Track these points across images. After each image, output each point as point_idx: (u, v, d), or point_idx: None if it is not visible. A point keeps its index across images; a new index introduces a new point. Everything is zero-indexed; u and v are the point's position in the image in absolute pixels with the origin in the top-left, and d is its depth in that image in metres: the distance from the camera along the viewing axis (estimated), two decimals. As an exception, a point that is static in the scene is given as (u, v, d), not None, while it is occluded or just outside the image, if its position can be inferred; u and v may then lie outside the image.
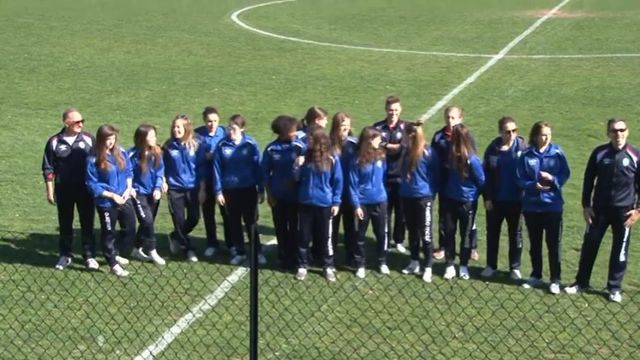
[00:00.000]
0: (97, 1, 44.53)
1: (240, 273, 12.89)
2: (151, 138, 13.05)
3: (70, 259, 13.25)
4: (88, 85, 25.61)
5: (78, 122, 13.10)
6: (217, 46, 32.07)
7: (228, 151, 13.05)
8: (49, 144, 13.18)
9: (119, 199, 12.74)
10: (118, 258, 13.07)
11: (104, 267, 12.96)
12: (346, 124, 13.14)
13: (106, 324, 11.02)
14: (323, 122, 13.22)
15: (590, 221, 12.20)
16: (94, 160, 12.65)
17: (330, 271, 12.85)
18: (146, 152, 13.02)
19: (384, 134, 13.18)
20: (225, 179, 13.08)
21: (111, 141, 12.67)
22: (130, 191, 12.95)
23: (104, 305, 11.40)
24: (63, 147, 13.07)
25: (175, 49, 31.57)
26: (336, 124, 13.11)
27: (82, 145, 13.09)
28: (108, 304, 11.40)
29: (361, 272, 12.88)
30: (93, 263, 13.11)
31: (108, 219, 12.78)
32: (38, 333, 10.96)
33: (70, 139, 13.10)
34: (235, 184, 13.11)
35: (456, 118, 13.07)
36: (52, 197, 13.20)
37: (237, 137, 13.08)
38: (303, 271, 12.80)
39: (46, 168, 13.14)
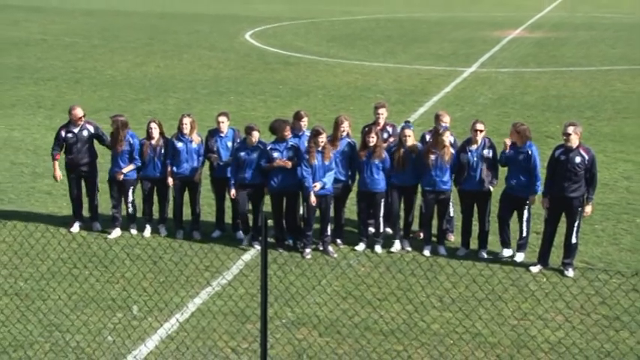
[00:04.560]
0: (132, 23, 44.52)
1: (252, 253, 12.86)
2: None
3: (81, 223, 13.86)
4: (124, 93, 25.60)
5: (80, 117, 13.82)
6: (233, 61, 32.05)
7: (242, 153, 12.97)
8: (58, 133, 13.93)
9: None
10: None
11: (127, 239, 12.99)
12: (345, 126, 13.12)
13: (139, 295, 11.01)
14: (304, 122, 13.35)
15: (545, 207, 12.26)
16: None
17: (330, 248, 12.84)
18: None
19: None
20: (239, 176, 13.00)
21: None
22: (127, 169, 13.51)
23: (138, 280, 11.41)
24: (70, 135, 13.76)
25: (198, 63, 31.55)
26: (336, 125, 13.08)
27: (85, 133, 13.82)
28: (141, 279, 11.40)
29: (361, 246, 13.02)
30: (96, 227, 13.78)
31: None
32: (83, 303, 10.96)
33: (76, 129, 13.79)
34: (248, 181, 13.02)
35: (447, 123, 13.16)
36: (58, 174, 14.06)
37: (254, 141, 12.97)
38: (309, 250, 12.79)
39: (54, 150, 13.95)
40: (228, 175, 13.11)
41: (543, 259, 12.33)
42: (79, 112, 13.77)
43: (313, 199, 12.59)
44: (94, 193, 13.83)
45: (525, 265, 12.30)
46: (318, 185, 12.58)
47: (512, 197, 12.52)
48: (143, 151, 13.43)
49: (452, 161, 12.64)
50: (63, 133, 13.76)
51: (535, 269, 12.20)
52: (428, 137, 13.28)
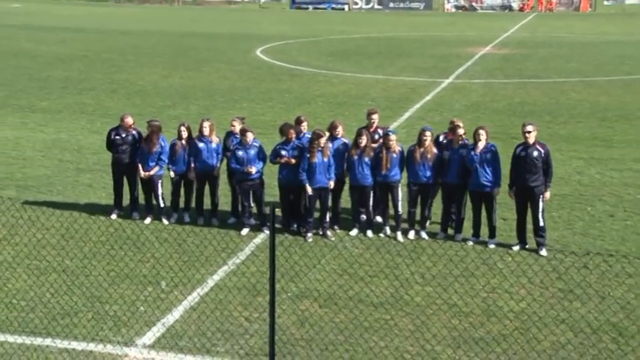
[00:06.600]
0: (159, 41, 44.43)
1: (262, 236, 12.84)
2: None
3: (119, 211, 13.73)
4: (153, 101, 25.55)
5: (130, 125, 13.61)
6: (246, 73, 31.99)
7: (240, 152, 12.87)
8: (108, 134, 13.80)
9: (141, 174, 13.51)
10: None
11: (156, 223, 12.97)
12: (339, 130, 13.11)
13: (166, 272, 11.02)
14: (304, 126, 13.25)
15: (513, 197, 12.24)
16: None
17: (329, 232, 12.82)
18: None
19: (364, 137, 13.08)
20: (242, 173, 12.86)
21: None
22: (153, 171, 13.41)
23: (165, 259, 11.41)
24: (117, 137, 13.60)
25: (215, 75, 31.49)
26: (331, 129, 13.07)
27: (130, 137, 13.57)
28: (168, 259, 11.41)
29: (354, 231, 12.95)
30: (135, 216, 13.60)
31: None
32: (119, 278, 10.97)
33: (123, 133, 13.58)
34: (249, 176, 12.86)
35: (462, 129, 12.75)
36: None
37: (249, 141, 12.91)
38: (311, 234, 12.76)
39: (108, 148, 13.93)
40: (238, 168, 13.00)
41: (521, 239, 12.30)
42: (129, 120, 13.62)
43: (309, 190, 12.54)
44: (134, 187, 13.73)
45: (504, 246, 12.25)
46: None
47: (481, 193, 12.40)
48: (175, 150, 13.38)
49: (435, 157, 12.61)
50: (112, 135, 13.67)
51: (516, 248, 12.17)
52: (441, 138, 13.13)
